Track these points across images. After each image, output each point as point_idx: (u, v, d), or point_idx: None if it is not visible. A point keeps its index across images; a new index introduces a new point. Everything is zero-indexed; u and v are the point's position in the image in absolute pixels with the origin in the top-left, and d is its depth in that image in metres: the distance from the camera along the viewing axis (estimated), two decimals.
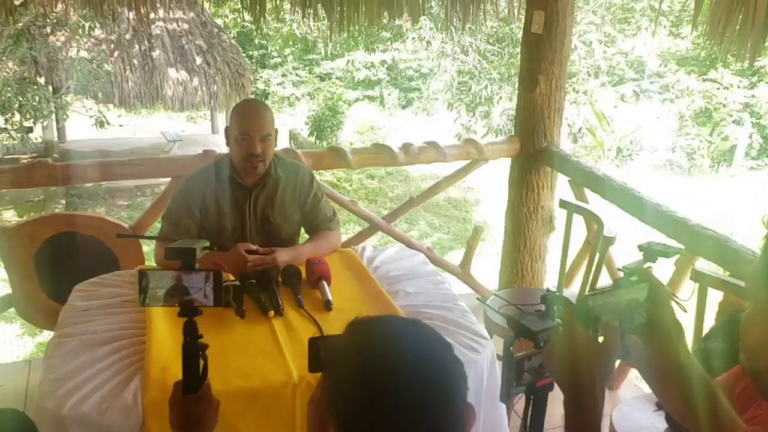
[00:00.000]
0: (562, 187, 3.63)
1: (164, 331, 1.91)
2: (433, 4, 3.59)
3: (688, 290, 2.54)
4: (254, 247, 2.31)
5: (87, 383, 1.74)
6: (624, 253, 2.54)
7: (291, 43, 10.62)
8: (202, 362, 1.33)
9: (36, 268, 2.91)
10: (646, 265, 1.26)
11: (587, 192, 3.34)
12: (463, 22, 3.75)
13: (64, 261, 2.88)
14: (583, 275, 2.85)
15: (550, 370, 1.06)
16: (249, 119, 2.36)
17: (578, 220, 2.96)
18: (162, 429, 1.57)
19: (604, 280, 2.83)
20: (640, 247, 1.30)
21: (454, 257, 3.86)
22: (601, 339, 1.02)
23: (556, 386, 1.17)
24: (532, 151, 3.52)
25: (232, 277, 2.17)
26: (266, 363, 1.84)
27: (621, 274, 1.24)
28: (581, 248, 3.35)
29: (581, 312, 1.01)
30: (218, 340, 1.88)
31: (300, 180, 2.53)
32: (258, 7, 3.46)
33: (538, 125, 3.50)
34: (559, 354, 1.01)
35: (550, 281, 3.73)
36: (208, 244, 1.33)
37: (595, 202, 3.17)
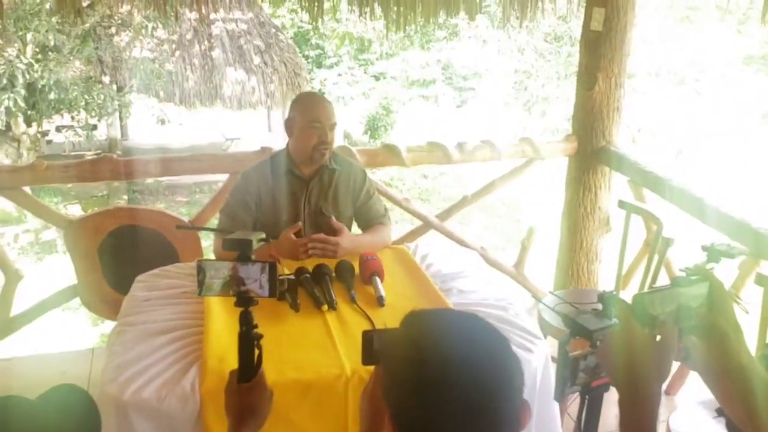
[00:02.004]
0: (619, 187, 3.55)
1: (222, 321, 1.95)
2: (490, 1, 3.55)
3: (751, 294, 2.47)
4: (299, 226, 2.37)
5: (147, 371, 1.79)
6: (684, 256, 2.48)
7: (348, 41, 10.69)
8: (256, 352, 1.36)
9: (100, 260, 3.02)
10: (709, 265, 1.23)
11: (646, 193, 3.27)
12: (521, 20, 3.71)
13: (126, 253, 2.98)
14: (642, 277, 2.79)
15: (605, 368, 1.04)
16: (319, 108, 2.43)
17: (636, 222, 2.89)
18: (219, 417, 1.61)
19: (663, 283, 2.76)
20: (704, 248, 1.26)
21: (508, 258, 3.82)
22: (658, 338, 1.00)
23: (611, 389, 1.15)
24: (590, 150, 3.46)
25: (287, 271, 2.21)
26: (319, 356, 1.86)
27: (681, 275, 1.21)
28: (639, 250, 3.27)
29: (638, 309, 0.99)
30: (273, 332, 1.91)
31: (353, 176, 2.56)
32: (316, 7, 3.50)
33: (596, 124, 3.43)
34: (615, 352, 0.99)
35: (606, 283, 3.65)
36: (264, 236, 1.36)
37: (654, 204, 3.09)
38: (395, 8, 3.56)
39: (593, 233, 3.57)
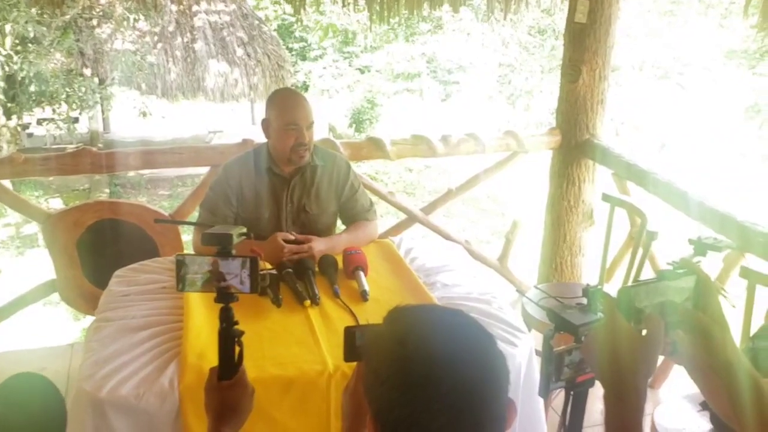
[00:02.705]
0: (603, 180, 3.55)
1: (201, 317, 1.92)
2: None
3: (735, 287, 2.47)
4: (292, 237, 2.31)
5: (125, 367, 1.76)
6: (668, 250, 2.48)
7: (331, 33, 10.64)
8: (237, 349, 1.33)
9: (78, 254, 2.97)
10: (696, 259, 1.22)
11: (630, 187, 3.27)
12: (505, 13, 3.69)
13: (105, 247, 2.93)
14: (626, 271, 2.79)
15: (590, 363, 1.02)
16: (295, 109, 2.35)
17: (620, 215, 2.89)
18: (198, 414, 1.59)
19: (647, 277, 2.75)
20: (690, 241, 1.25)
21: (492, 251, 3.81)
22: (644, 332, 0.98)
23: (597, 384, 1.14)
24: (574, 143, 3.45)
25: (269, 266, 2.18)
26: (302, 352, 1.84)
27: (667, 269, 1.19)
28: (623, 243, 3.27)
29: (623, 303, 0.97)
30: (254, 328, 1.89)
31: (337, 170, 2.51)
32: None
33: (580, 117, 3.43)
34: (600, 346, 0.97)
35: (589, 277, 3.65)
36: (245, 230, 1.33)
37: (638, 197, 3.09)
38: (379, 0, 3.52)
39: (577, 227, 3.56)
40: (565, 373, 1.31)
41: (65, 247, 2.95)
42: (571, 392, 1.36)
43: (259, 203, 2.42)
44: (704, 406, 1.86)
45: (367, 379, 0.94)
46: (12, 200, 3.05)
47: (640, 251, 2.67)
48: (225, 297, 1.30)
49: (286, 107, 2.36)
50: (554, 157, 3.58)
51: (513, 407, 0.92)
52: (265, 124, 2.40)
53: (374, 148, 3.31)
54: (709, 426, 1.89)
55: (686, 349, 1.07)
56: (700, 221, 2.71)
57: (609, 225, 2.82)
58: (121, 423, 1.68)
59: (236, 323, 1.31)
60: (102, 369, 1.76)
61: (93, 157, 2.91)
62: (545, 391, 1.30)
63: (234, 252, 1.29)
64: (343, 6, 3.65)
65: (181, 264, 1.29)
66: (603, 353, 0.96)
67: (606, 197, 2.88)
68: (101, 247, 2.94)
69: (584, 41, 3.32)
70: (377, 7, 3.57)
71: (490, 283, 2.35)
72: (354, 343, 1.29)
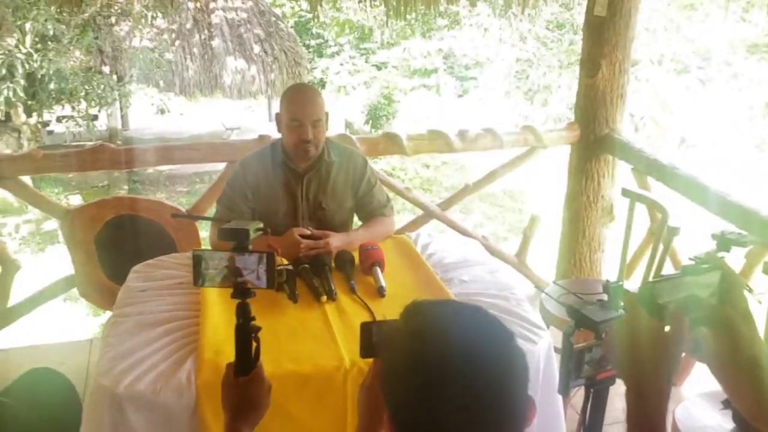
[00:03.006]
0: (622, 176, 3.51)
1: (218, 313, 1.92)
2: None
3: (758, 283, 2.42)
4: (308, 232, 2.30)
5: (142, 362, 1.76)
6: (689, 246, 2.43)
7: (348, 29, 10.61)
8: (254, 344, 1.33)
9: (96, 250, 2.99)
10: (719, 254, 1.19)
11: (651, 182, 3.22)
12: (523, 7, 3.66)
13: (123, 243, 2.95)
14: (646, 267, 2.75)
15: (611, 360, 1.00)
16: (299, 105, 2.33)
17: (640, 211, 2.85)
18: (215, 410, 1.58)
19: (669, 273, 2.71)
20: (714, 236, 1.22)
21: (510, 247, 3.78)
22: (666, 329, 0.95)
23: (618, 381, 1.12)
24: (593, 138, 3.41)
25: (285, 261, 2.17)
26: (318, 348, 1.83)
27: (690, 264, 1.17)
28: (644, 239, 3.23)
29: (645, 298, 0.94)
30: (271, 323, 1.87)
31: (353, 165, 2.50)
32: None
33: (599, 111, 3.38)
34: (621, 343, 0.95)
35: (609, 273, 3.61)
36: (261, 225, 1.32)
37: (658, 192, 3.04)
38: None
39: (596, 222, 3.53)
40: (585, 370, 1.29)
41: (83, 243, 2.97)
42: (591, 390, 1.34)
43: (274, 198, 2.42)
44: (726, 404, 1.83)
45: (384, 376, 0.93)
46: (31, 196, 3.08)
47: (661, 247, 2.63)
48: (242, 292, 1.30)
49: (291, 103, 2.35)
50: (573, 153, 3.54)
51: (533, 405, 0.90)
52: (277, 119, 2.40)
53: (390, 143, 3.29)
54: (731, 425, 1.86)
55: (710, 345, 1.05)
56: (722, 217, 2.67)
57: (629, 220, 2.78)
58: (139, 418, 1.68)
59: (253, 319, 1.31)
60: (119, 364, 1.76)
61: (110, 153, 2.92)
62: (565, 389, 1.28)
63: (251, 247, 1.29)
64: (360, 1, 3.64)
65: (198, 260, 1.29)
66: (624, 350, 0.94)
67: (626, 192, 2.84)
68: (119, 243, 2.95)
69: (604, 34, 3.28)
70: (394, 3, 3.55)
71: (508, 278, 2.32)
72: (370, 339, 1.28)
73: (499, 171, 3.58)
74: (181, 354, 1.81)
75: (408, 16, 3.81)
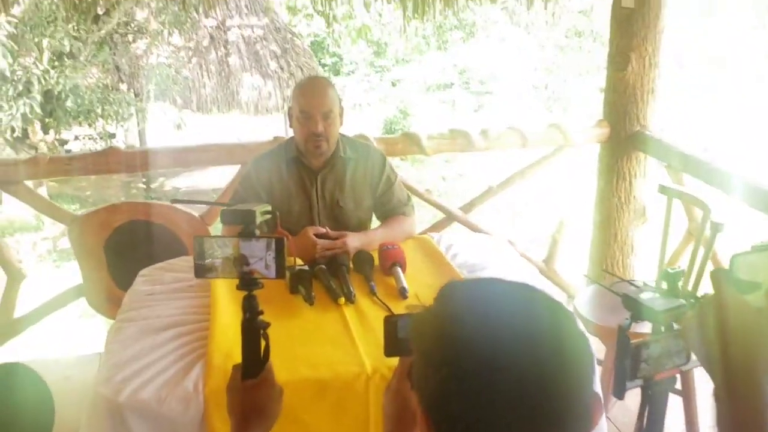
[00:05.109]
0: (654, 175, 3.33)
1: (229, 315, 1.78)
2: None
3: None
4: (324, 230, 2.16)
5: (146, 370, 1.63)
6: (731, 245, 2.25)
7: (364, 35, 10.50)
8: (263, 343, 1.18)
9: (106, 257, 2.86)
10: None
11: (686, 180, 3.05)
12: (546, 2, 3.50)
13: (133, 249, 2.82)
14: (687, 269, 2.56)
15: (693, 350, 0.83)
16: (308, 96, 2.20)
17: (675, 211, 2.66)
18: (224, 419, 1.42)
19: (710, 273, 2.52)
20: None
21: (537, 252, 3.60)
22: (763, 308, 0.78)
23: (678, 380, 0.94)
24: (624, 135, 3.24)
25: (300, 262, 2.03)
26: (337, 352, 1.68)
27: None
28: (682, 239, 3.04)
29: (737, 273, 0.77)
30: (286, 327, 1.74)
31: (371, 162, 2.36)
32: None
33: (629, 107, 3.21)
34: (705, 329, 0.77)
35: (643, 278, 3.42)
36: (269, 208, 1.18)
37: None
38: None
39: (628, 224, 3.34)
40: (642, 369, 1.12)
41: (92, 250, 2.85)
42: (649, 392, 1.17)
43: (289, 198, 2.28)
44: None
45: (417, 368, 0.77)
46: (38, 202, 2.97)
47: (703, 246, 2.45)
48: (248, 283, 1.15)
49: (301, 95, 2.23)
50: (602, 151, 3.36)
51: (599, 403, 0.73)
52: (289, 114, 2.29)
53: (409, 143, 3.14)
54: None
55: None
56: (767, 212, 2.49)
57: (667, 219, 2.60)
58: (142, 429, 1.54)
59: (261, 313, 1.16)
60: (121, 372, 1.62)
61: (118, 156, 2.80)
62: (620, 390, 1.11)
63: (258, 232, 1.14)
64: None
65: (199, 246, 1.14)
66: (709, 338, 0.77)
67: (663, 189, 2.66)
68: (129, 249, 2.82)
69: (632, 27, 3.12)
70: (410, 3, 3.43)
71: (540, 280, 2.16)
72: (395, 334, 1.13)
73: (525, 171, 3.41)
74: (189, 360, 1.67)
75: (425, 18, 3.68)
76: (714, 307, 0.77)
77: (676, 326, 1.13)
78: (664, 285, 1.14)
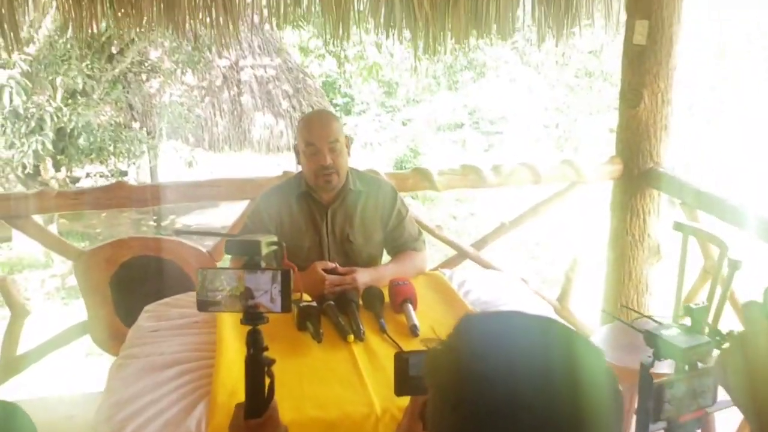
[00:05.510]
0: (668, 213, 3.28)
1: (234, 352, 1.73)
2: (521, 13, 3.38)
3: None
4: (333, 266, 2.12)
5: (148, 408, 1.58)
6: (749, 284, 2.19)
7: (375, 73, 10.59)
8: (267, 380, 1.13)
9: (112, 293, 2.82)
10: None
11: (702, 217, 2.99)
12: (557, 39, 3.51)
13: (140, 285, 2.78)
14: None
15: (726, 388, 0.77)
16: (313, 128, 2.19)
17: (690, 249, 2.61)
18: None
19: (727, 317, 2.45)
20: None
21: (550, 291, 3.53)
22: None
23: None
24: (637, 172, 3.20)
25: (308, 298, 1.98)
26: (345, 392, 1.62)
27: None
28: (698, 277, 2.97)
29: None
30: (293, 365, 1.69)
31: (382, 195, 2.33)
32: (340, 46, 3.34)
33: (642, 144, 3.18)
34: (738, 366, 0.72)
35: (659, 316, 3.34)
36: (275, 239, 1.14)
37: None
38: (424, 29, 3.39)
39: (643, 263, 3.28)
40: (666, 410, 1.06)
41: (98, 285, 2.81)
42: None
43: (298, 232, 2.25)
44: None
45: (432, 405, 0.72)
46: (46, 238, 2.94)
47: (719, 288, 2.38)
48: (252, 318, 1.10)
49: (305, 128, 2.22)
50: (615, 188, 3.32)
51: None
52: (296, 150, 2.27)
53: (420, 178, 3.12)
54: None
55: None
56: None
57: (683, 256, 2.54)
58: None
59: (266, 349, 1.11)
60: (122, 410, 1.58)
61: (126, 191, 2.78)
62: None
63: (263, 264, 1.10)
64: (387, 37, 3.53)
65: (203, 278, 1.10)
66: (743, 375, 0.71)
67: (678, 226, 2.61)
68: (136, 285, 2.78)
69: (644, 64, 3.11)
70: (422, 35, 3.44)
71: (554, 317, 2.09)
72: (407, 372, 1.07)
73: (538, 208, 3.37)
74: (192, 399, 1.62)
75: (437, 49, 3.69)
76: (747, 343, 0.72)
77: (700, 365, 1.07)
78: (687, 321, 1.09)
